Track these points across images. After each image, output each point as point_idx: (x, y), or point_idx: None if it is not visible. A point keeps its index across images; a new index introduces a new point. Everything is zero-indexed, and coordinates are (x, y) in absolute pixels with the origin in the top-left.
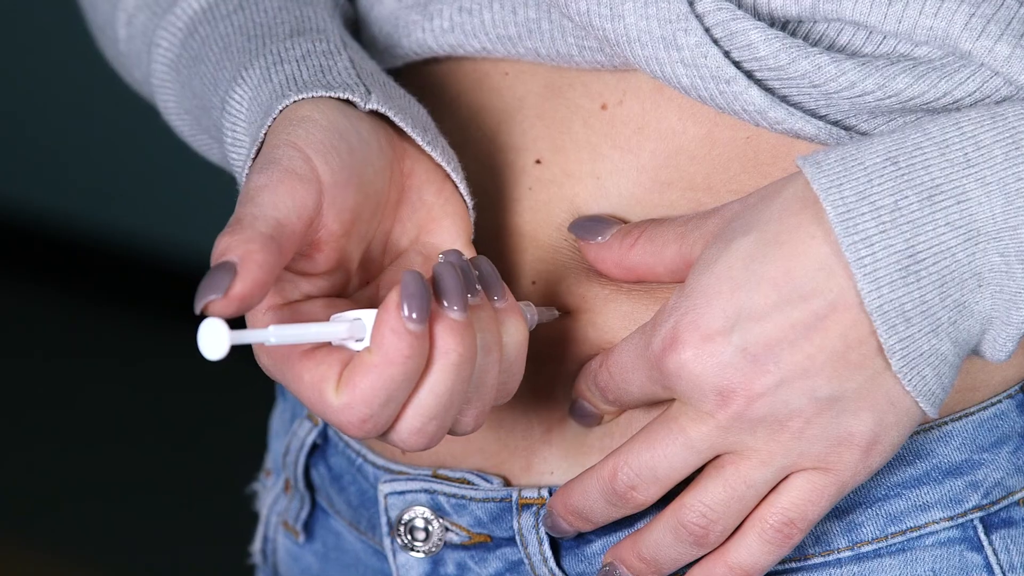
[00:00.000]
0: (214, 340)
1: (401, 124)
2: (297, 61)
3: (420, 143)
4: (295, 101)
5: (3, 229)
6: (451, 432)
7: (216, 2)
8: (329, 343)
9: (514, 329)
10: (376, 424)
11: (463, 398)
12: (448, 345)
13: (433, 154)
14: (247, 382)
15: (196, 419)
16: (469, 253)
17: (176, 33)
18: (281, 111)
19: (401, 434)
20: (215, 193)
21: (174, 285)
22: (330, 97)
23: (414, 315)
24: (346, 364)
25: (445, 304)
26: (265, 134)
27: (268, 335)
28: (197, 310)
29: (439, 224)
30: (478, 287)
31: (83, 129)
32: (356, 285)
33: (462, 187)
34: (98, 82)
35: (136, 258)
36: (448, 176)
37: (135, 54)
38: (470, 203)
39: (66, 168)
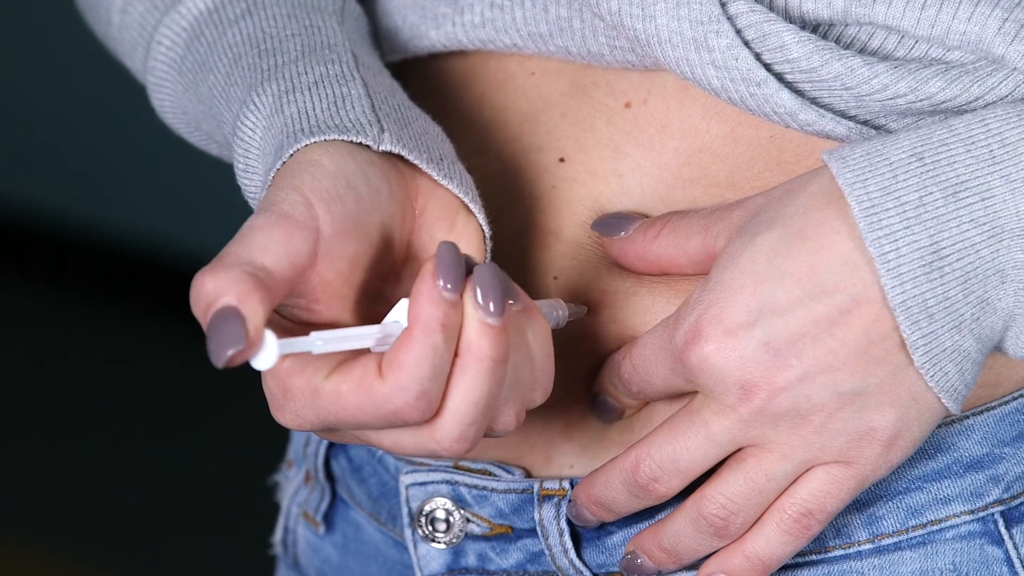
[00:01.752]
0: (263, 350)
1: (416, 161)
2: (310, 89)
3: (436, 177)
4: (306, 145)
5: (3, 228)
6: (489, 435)
7: (222, 4)
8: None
9: (537, 327)
10: (430, 401)
11: (498, 400)
12: (483, 350)
13: (450, 187)
14: (250, 380)
15: (201, 417)
16: None
17: (180, 33)
18: (292, 155)
19: (442, 442)
20: (219, 191)
21: (176, 283)
22: (342, 140)
23: (448, 285)
24: (379, 359)
25: (482, 304)
26: (274, 176)
27: (313, 341)
28: (220, 365)
29: None
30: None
31: (84, 127)
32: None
33: (480, 217)
34: (100, 79)
35: (138, 256)
36: (461, 207)
37: (129, 43)
38: (487, 232)
39: (66, 166)
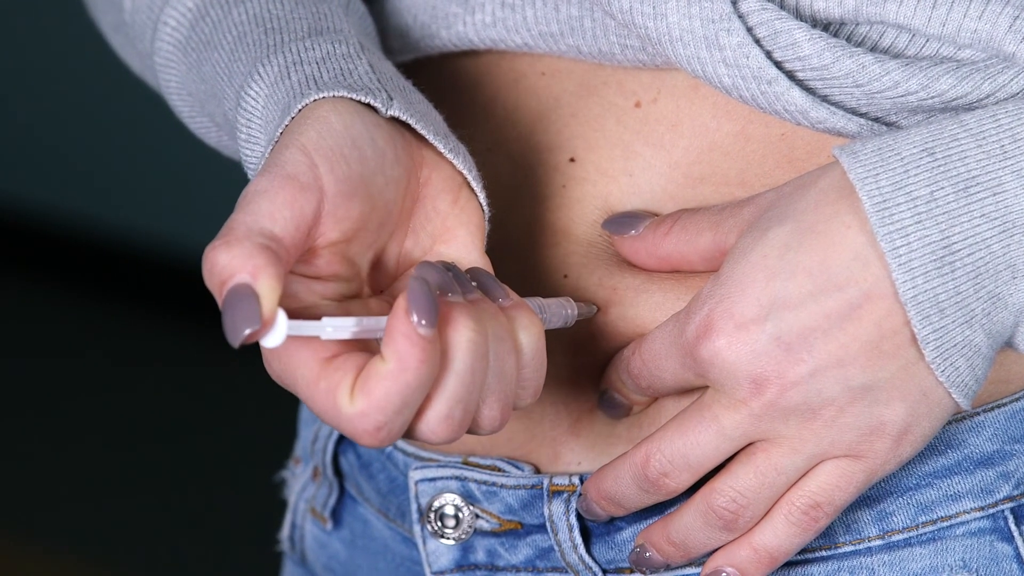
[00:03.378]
0: (273, 329)
1: (423, 132)
2: (317, 63)
3: (442, 150)
4: (315, 100)
5: (5, 227)
6: (475, 430)
7: None
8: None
9: (527, 322)
10: (390, 432)
11: (484, 382)
12: (459, 324)
13: (455, 161)
14: (256, 376)
15: (207, 413)
16: (483, 263)
17: (185, 13)
18: (300, 110)
19: (430, 423)
20: (222, 190)
21: (178, 282)
22: (350, 99)
23: (423, 321)
24: (359, 371)
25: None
26: (281, 133)
27: (324, 327)
28: (236, 344)
29: (453, 234)
30: (474, 284)
31: (87, 125)
32: (368, 292)
33: (481, 196)
34: (102, 78)
35: (139, 255)
36: (464, 184)
37: (139, 26)
38: (487, 212)
39: (66, 164)
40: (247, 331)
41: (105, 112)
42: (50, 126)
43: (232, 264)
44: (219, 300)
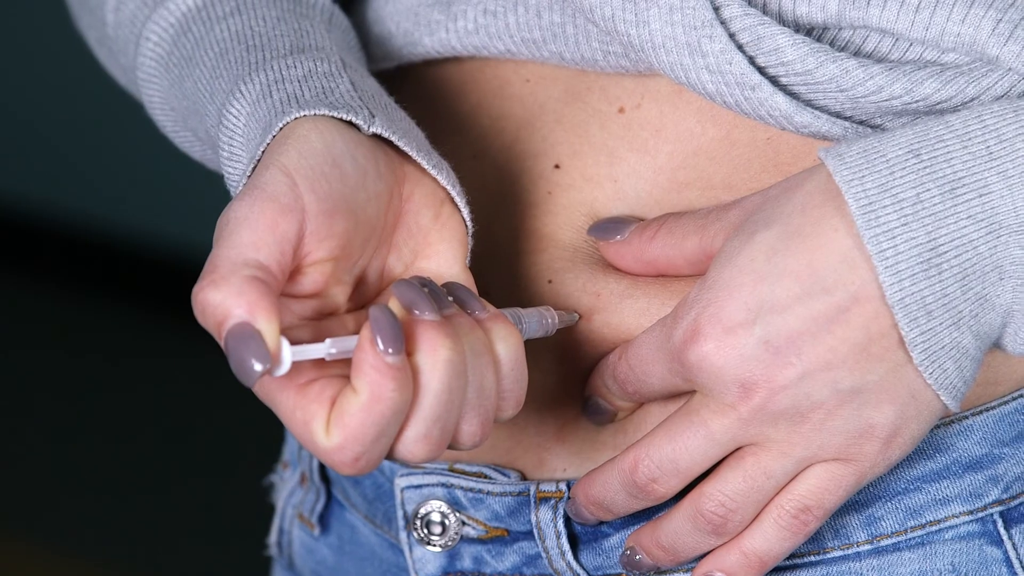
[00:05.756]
0: (279, 360)
1: (405, 148)
2: (299, 81)
3: (425, 166)
4: (296, 118)
5: (5, 225)
6: (455, 446)
7: (211, 2)
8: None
9: (505, 333)
10: (368, 461)
11: (462, 399)
12: (435, 343)
13: (439, 177)
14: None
15: (198, 417)
16: (465, 278)
17: (167, 29)
18: (281, 128)
19: (408, 444)
20: (224, 189)
21: (176, 281)
22: (332, 117)
23: (390, 349)
24: (333, 401)
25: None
26: (263, 152)
27: (327, 348)
28: (252, 384)
29: (435, 249)
30: (450, 298)
31: (86, 124)
32: (345, 308)
33: (465, 212)
34: (102, 77)
35: (138, 254)
36: (447, 199)
37: (122, 41)
38: (471, 227)
39: (65, 163)
40: (259, 369)
41: (105, 111)
42: (50, 126)
43: (225, 303)
44: (219, 340)
